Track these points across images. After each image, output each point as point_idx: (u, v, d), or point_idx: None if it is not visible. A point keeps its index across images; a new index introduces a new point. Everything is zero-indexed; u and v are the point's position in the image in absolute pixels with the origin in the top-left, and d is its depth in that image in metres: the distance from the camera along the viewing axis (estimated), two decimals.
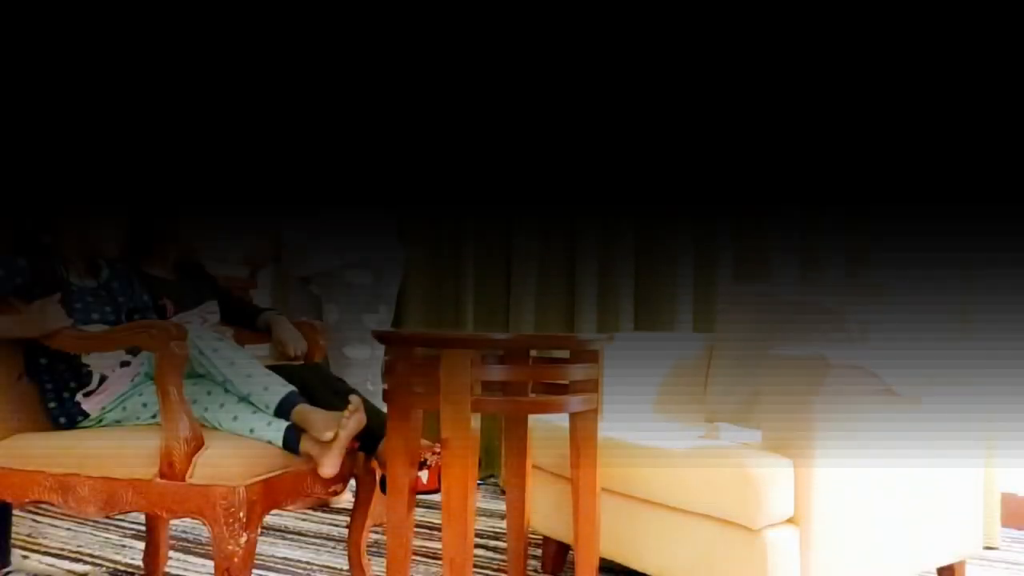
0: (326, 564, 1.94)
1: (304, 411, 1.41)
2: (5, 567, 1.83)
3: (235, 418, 1.42)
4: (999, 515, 2.20)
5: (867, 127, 2.38)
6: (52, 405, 1.48)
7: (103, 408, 1.49)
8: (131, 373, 1.54)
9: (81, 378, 1.48)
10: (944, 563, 1.75)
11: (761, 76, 2.50)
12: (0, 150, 2.17)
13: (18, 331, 1.40)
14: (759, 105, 2.51)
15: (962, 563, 1.80)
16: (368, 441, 1.57)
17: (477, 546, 2.10)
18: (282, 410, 1.41)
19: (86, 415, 1.49)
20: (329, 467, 1.39)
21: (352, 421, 1.39)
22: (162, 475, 1.32)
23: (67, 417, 1.48)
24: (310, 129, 2.93)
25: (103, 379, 1.50)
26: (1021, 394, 2.28)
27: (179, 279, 1.83)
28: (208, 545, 2.05)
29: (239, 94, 2.92)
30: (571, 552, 1.95)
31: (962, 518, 1.75)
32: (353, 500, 1.68)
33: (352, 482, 1.64)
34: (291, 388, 1.44)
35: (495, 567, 1.95)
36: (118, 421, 1.50)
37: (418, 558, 2.00)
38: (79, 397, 1.48)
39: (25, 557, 1.92)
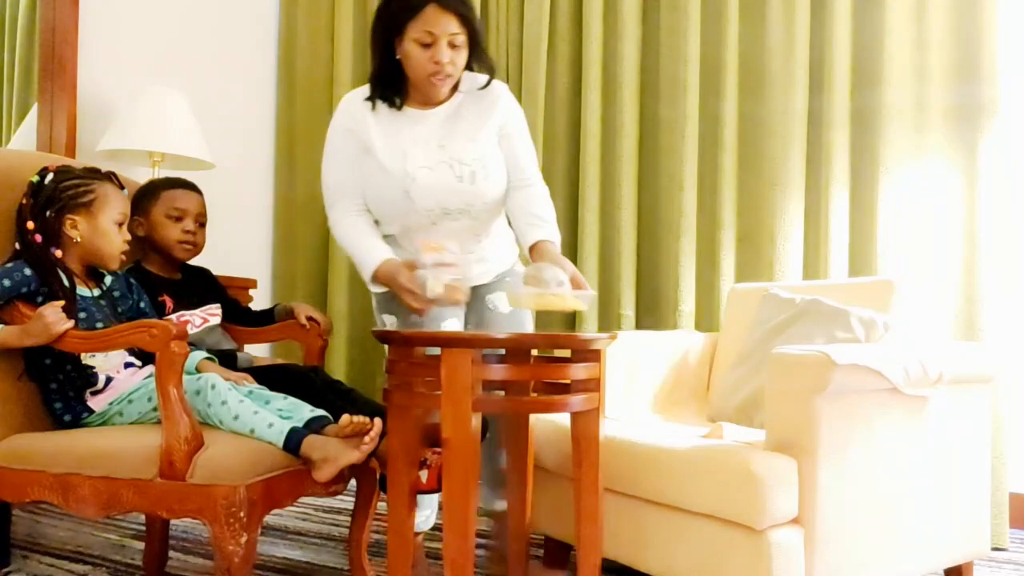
0: (326, 564, 1.93)
1: (312, 444, 1.40)
2: (5, 567, 1.82)
3: (236, 417, 1.41)
4: (1008, 516, 2.17)
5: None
6: (57, 405, 1.48)
7: (109, 404, 1.49)
8: (139, 374, 1.54)
9: (88, 379, 1.49)
10: (951, 564, 1.73)
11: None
12: None
13: (28, 340, 1.40)
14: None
15: (970, 564, 1.78)
16: None
17: (478, 546, 2.09)
18: (289, 446, 1.40)
19: (91, 411, 1.49)
20: (325, 475, 1.39)
21: (368, 448, 1.39)
22: (162, 475, 1.31)
23: (72, 415, 1.48)
24: None
25: (109, 380, 1.50)
26: None
27: (182, 279, 1.83)
28: (208, 545, 2.04)
29: None
30: (573, 552, 1.94)
31: (970, 519, 1.73)
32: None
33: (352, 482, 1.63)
34: (292, 425, 1.42)
35: None
36: (121, 414, 1.50)
37: None
38: (86, 395, 1.49)
39: (25, 557, 1.92)
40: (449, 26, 1.62)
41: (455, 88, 1.75)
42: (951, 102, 2.28)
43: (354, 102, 1.75)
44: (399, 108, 1.74)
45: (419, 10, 1.62)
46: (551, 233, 1.71)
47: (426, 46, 1.64)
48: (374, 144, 1.70)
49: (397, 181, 1.69)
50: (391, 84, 1.72)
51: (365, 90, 1.76)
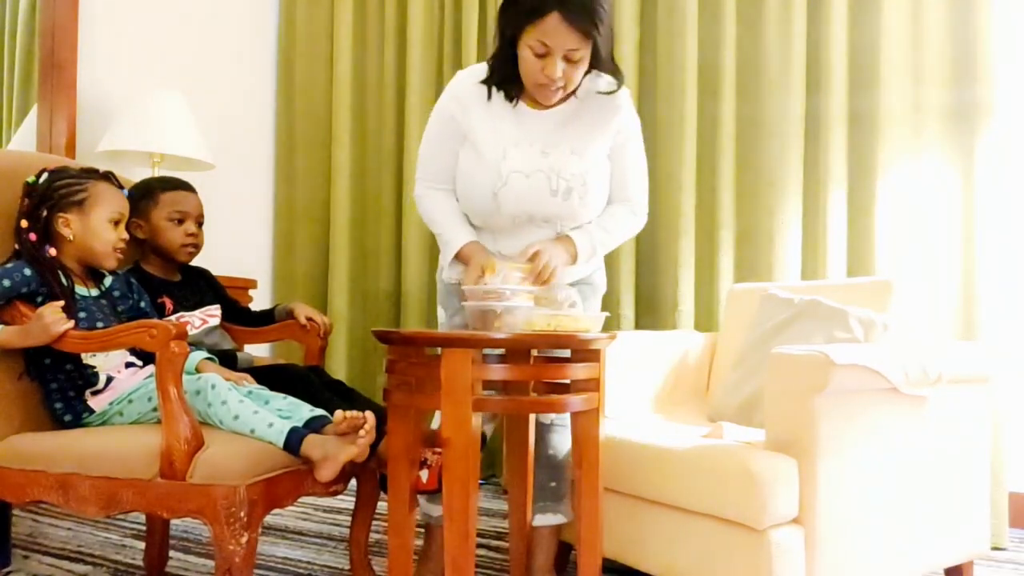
0: (327, 564, 1.93)
1: (312, 444, 1.40)
2: (6, 567, 1.82)
3: (236, 417, 1.41)
4: (1007, 515, 2.18)
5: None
6: (58, 405, 1.48)
7: (110, 404, 1.49)
8: (139, 374, 1.54)
9: (88, 379, 1.49)
10: (951, 564, 1.73)
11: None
12: None
13: (30, 340, 1.40)
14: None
15: (969, 563, 1.78)
16: None
17: (479, 546, 2.09)
18: (290, 446, 1.40)
19: (92, 411, 1.49)
20: (327, 474, 1.39)
21: (365, 441, 1.38)
22: (162, 475, 1.31)
23: (73, 415, 1.48)
24: None
25: (110, 379, 1.51)
26: None
27: (182, 280, 1.83)
28: (208, 545, 2.04)
29: None
30: (574, 552, 1.95)
31: (969, 518, 1.73)
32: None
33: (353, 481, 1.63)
34: (292, 425, 1.42)
35: (497, 567, 1.94)
36: (121, 414, 1.50)
37: None
38: (86, 395, 1.49)
39: (26, 557, 1.92)
40: (568, 42, 1.46)
41: (572, 92, 1.60)
42: (947, 103, 2.29)
43: (467, 85, 1.62)
44: (513, 102, 1.61)
45: (540, 16, 1.45)
46: (584, 234, 1.62)
47: (540, 55, 1.48)
48: (477, 136, 1.59)
49: (488, 181, 1.58)
50: (509, 76, 1.57)
51: (480, 70, 1.62)
